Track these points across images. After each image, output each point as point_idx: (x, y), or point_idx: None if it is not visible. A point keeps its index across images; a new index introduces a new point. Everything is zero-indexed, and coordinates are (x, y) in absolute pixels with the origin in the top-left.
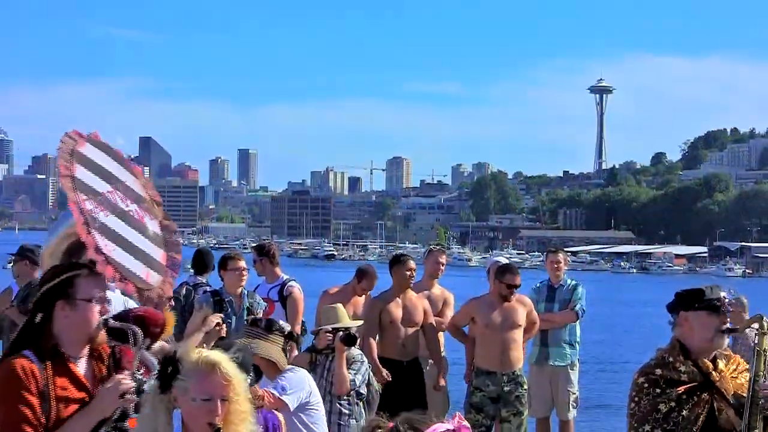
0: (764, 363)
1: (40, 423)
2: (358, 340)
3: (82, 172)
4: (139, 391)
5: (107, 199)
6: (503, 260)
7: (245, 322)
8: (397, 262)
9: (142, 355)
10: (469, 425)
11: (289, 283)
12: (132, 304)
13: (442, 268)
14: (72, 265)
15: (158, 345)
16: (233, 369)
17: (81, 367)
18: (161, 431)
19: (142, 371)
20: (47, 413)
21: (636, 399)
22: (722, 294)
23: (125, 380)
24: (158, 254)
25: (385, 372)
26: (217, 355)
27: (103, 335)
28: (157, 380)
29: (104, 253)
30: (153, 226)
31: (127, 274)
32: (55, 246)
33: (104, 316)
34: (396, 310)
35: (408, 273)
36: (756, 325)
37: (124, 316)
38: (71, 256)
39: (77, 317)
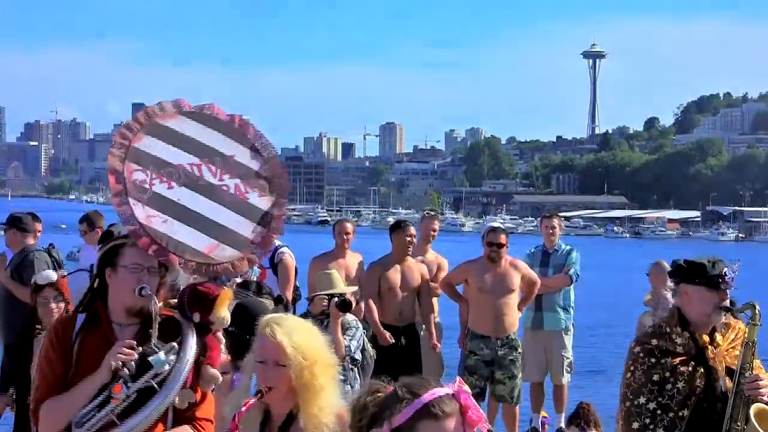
0: (752, 355)
1: (59, 381)
2: (354, 306)
3: (148, 143)
4: (143, 361)
5: (184, 170)
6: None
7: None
8: (397, 228)
9: (184, 326)
10: (468, 390)
11: (280, 250)
12: None
13: (435, 233)
14: (123, 235)
15: (210, 373)
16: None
17: (125, 335)
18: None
19: (160, 344)
20: (68, 371)
21: (632, 369)
22: (724, 270)
23: (122, 348)
24: (247, 229)
25: (387, 334)
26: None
27: (151, 304)
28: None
29: (141, 223)
30: (260, 203)
31: (173, 245)
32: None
33: (141, 285)
34: (395, 276)
35: (408, 239)
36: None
37: (184, 290)
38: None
39: (117, 284)
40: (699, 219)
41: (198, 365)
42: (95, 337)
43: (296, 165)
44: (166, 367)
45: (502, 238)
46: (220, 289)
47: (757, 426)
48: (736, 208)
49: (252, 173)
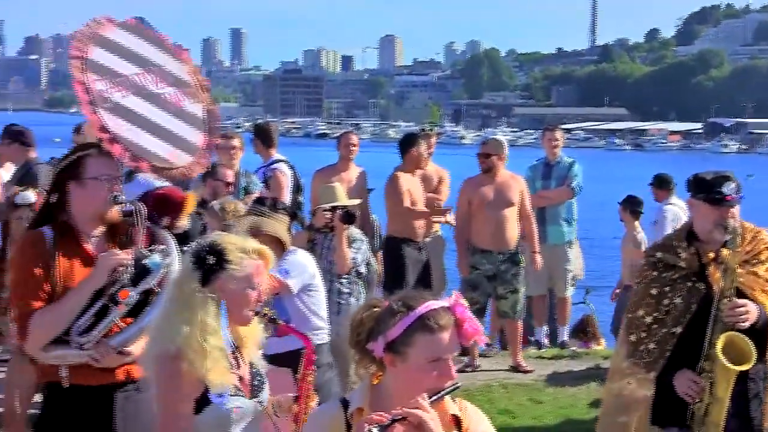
0: (732, 281)
1: (45, 292)
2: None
3: (99, 54)
4: (138, 265)
5: (131, 80)
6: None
7: (242, 201)
8: (411, 141)
9: (157, 231)
10: (465, 303)
11: (273, 166)
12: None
13: (432, 150)
14: (82, 146)
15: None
16: (272, 254)
17: (92, 245)
18: (212, 322)
19: (155, 247)
20: (53, 283)
21: (636, 280)
22: (730, 186)
23: (118, 252)
24: (194, 136)
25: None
26: (258, 244)
27: (114, 213)
28: (199, 273)
29: (110, 132)
30: (194, 109)
31: (140, 152)
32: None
33: (114, 193)
34: (417, 190)
35: (422, 152)
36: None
37: (145, 195)
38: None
39: (86, 195)
40: (701, 131)
41: None
42: (70, 248)
43: (295, 78)
44: (163, 270)
45: (490, 148)
46: (185, 194)
47: (723, 359)
48: (739, 120)
49: (182, 81)
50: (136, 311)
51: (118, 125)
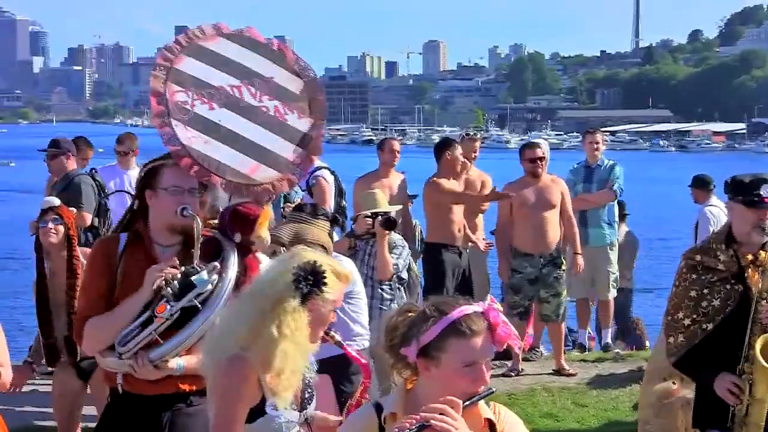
0: None
1: (103, 299)
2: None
3: (189, 64)
4: (185, 280)
5: (224, 92)
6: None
7: (282, 209)
8: (446, 145)
9: (225, 246)
10: (499, 308)
11: (317, 173)
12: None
13: (476, 154)
14: (163, 155)
15: None
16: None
17: (167, 255)
18: (303, 340)
19: (204, 264)
20: (114, 289)
21: (676, 283)
22: (762, 188)
23: (162, 268)
24: (288, 151)
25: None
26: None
27: (194, 224)
28: (300, 291)
29: (182, 144)
30: (299, 124)
31: (215, 166)
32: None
33: (183, 205)
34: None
35: (456, 156)
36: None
37: (225, 210)
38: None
39: (157, 205)
40: (744, 131)
41: (238, 285)
42: (138, 256)
43: (340, 85)
44: (209, 287)
45: (539, 152)
46: (261, 209)
47: (761, 360)
48: None
49: (291, 95)
50: (181, 325)
51: (193, 138)
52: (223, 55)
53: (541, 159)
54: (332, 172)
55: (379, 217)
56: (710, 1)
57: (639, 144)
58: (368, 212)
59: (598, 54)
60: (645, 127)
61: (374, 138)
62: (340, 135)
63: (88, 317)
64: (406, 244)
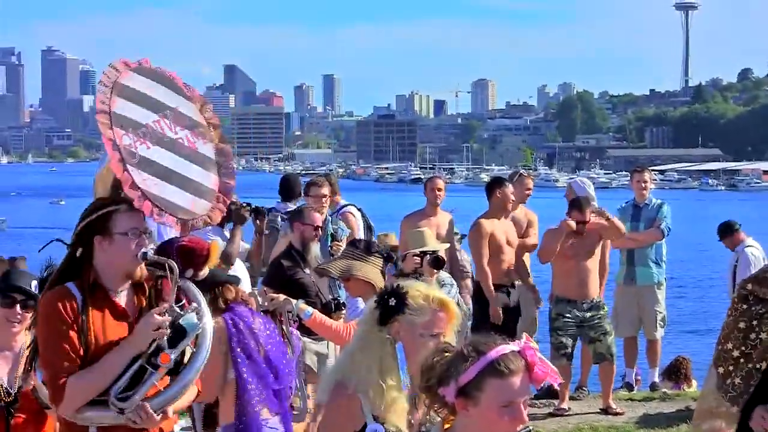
0: None
1: (78, 354)
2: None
3: (122, 105)
4: (174, 324)
5: (152, 129)
6: (580, 182)
7: (329, 247)
8: (497, 184)
9: (184, 285)
10: (535, 346)
11: (345, 209)
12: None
13: (530, 192)
14: (110, 200)
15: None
16: (457, 310)
17: (122, 300)
18: (388, 361)
19: (183, 303)
20: (85, 345)
21: (729, 313)
22: None
23: (158, 315)
24: (210, 180)
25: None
26: (445, 294)
27: (142, 269)
28: (378, 312)
29: (141, 189)
30: (206, 150)
31: (167, 206)
32: (105, 173)
33: (143, 249)
34: (502, 234)
35: (507, 195)
36: None
37: (167, 246)
38: (116, 188)
39: (114, 251)
40: None
41: None
42: (100, 305)
43: (389, 123)
44: (200, 329)
45: (588, 215)
46: (209, 244)
47: None
48: None
49: (194, 123)
50: (172, 371)
51: (145, 181)
52: (139, 90)
53: (584, 223)
54: (359, 209)
55: (428, 256)
56: (760, 40)
57: (688, 183)
58: (417, 251)
59: (648, 93)
60: (694, 165)
61: (422, 176)
62: (388, 174)
63: (65, 375)
64: (454, 282)
